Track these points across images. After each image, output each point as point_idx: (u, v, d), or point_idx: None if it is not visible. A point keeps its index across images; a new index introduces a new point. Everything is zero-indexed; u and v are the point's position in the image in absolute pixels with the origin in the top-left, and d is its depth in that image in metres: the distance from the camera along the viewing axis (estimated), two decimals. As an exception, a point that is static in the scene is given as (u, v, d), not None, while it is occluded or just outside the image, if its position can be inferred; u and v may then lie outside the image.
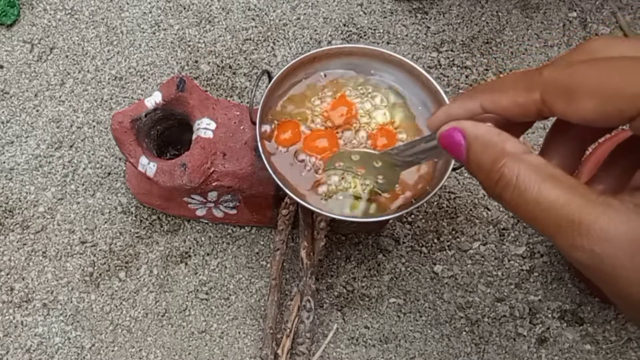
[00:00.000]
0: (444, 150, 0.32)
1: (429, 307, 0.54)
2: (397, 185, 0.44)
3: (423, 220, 0.57)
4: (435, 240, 0.56)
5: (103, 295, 0.54)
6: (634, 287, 0.24)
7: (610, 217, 0.24)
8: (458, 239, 0.56)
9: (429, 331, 0.53)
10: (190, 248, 0.56)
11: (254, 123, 0.46)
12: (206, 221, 0.56)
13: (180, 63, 0.63)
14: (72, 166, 0.58)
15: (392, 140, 0.47)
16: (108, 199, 0.57)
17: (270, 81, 0.46)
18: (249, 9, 0.66)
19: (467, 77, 0.63)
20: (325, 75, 0.49)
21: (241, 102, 0.61)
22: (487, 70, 0.63)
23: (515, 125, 0.30)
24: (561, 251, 0.26)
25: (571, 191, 0.25)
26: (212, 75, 0.62)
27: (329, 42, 0.64)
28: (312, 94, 0.49)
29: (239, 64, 0.63)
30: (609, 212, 0.24)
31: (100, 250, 0.55)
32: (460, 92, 0.62)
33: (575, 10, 0.66)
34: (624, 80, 0.25)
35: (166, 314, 0.53)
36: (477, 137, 0.29)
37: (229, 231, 0.56)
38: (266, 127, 0.47)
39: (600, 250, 0.24)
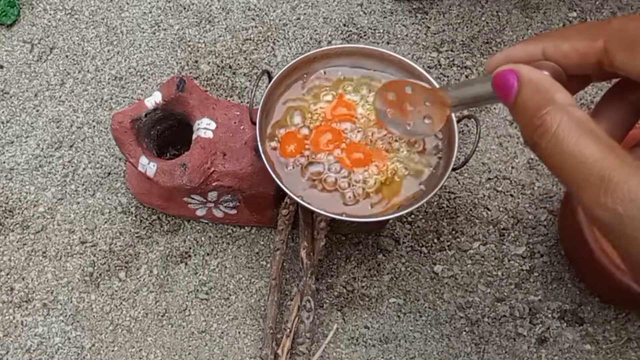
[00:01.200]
0: (495, 96, 0.32)
1: (429, 307, 0.54)
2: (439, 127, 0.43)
3: (423, 220, 0.57)
4: (435, 240, 0.56)
5: (103, 295, 0.54)
6: None
7: (639, 180, 0.24)
8: (458, 239, 0.56)
9: (429, 331, 0.53)
10: (190, 248, 0.56)
11: (254, 123, 0.46)
12: (206, 221, 0.56)
13: (180, 63, 0.63)
14: (72, 166, 0.58)
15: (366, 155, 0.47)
16: (108, 199, 0.57)
17: (270, 81, 0.46)
18: (249, 9, 0.66)
19: (467, 77, 0.63)
20: (324, 73, 0.49)
21: (241, 102, 0.61)
22: (487, 70, 0.63)
23: (571, 81, 0.30)
24: (582, 206, 0.26)
25: (608, 149, 0.26)
26: (212, 75, 0.62)
27: (329, 42, 0.64)
28: (313, 98, 0.49)
29: (239, 64, 0.63)
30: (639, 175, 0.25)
31: (100, 250, 0.55)
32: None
33: (575, 10, 0.66)
34: None
35: (166, 314, 0.53)
36: (531, 81, 0.29)
37: (229, 231, 0.56)
38: (272, 144, 0.47)
39: (623, 211, 0.24)
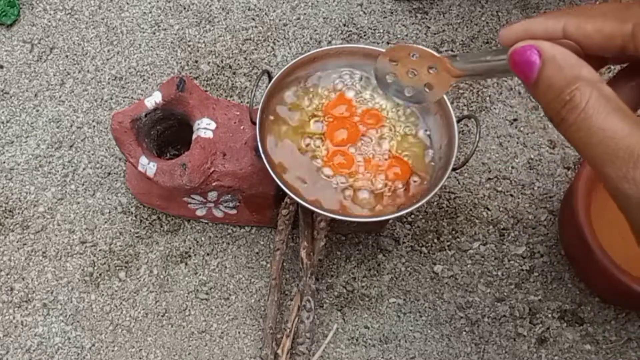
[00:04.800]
0: (508, 70, 0.31)
1: (429, 307, 0.54)
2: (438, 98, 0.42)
3: (423, 220, 0.57)
4: (435, 240, 0.56)
5: (103, 295, 0.54)
6: None
7: None
8: (458, 239, 0.56)
9: (429, 331, 0.53)
10: (190, 248, 0.56)
11: (254, 123, 0.46)
12: (206, 221, 0.56)
13: (180, 63, 0.63)
14: (72, 166, 0.58)
15: (405, 170, 0.47)
16: (108, 199, 0.57)
17: (270, 81, 0.46)
18: (249, 9, 0.66)
19: (467, 77, 0.63)
20: (324, 73, 0.49)
21: (241, 102, 0.61)
22: (487, 70, 0.63)
23: (587, 61, 0.30)
24: (607, 182, 0.26)
25: (636, 126, 0.26)
26: (212, 75, 0.62)
27: (329, 42, 0.64)
28: (313, 95, 0.49)
29: (239, 64, 0.63)
30: None
31: (100, 250, 0.55)
32: (459, 91, 0.62)
33: (575, 10, 0.66)
34: None
35: (166, 314, 0.53)
36: (555, 58, 0.28)
37: (229, 231, 0.56)
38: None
39: None
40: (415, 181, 0.46)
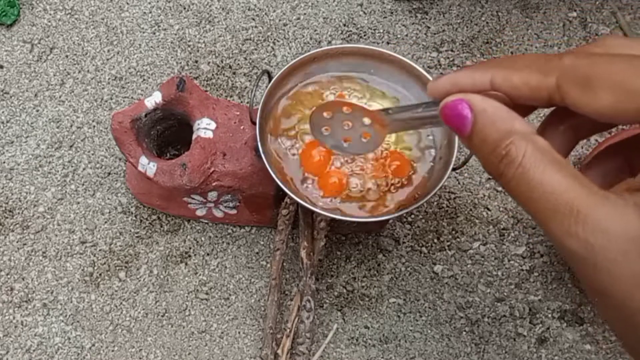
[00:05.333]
0: (441, 121, 0.31)
1: (429, 307, 0.54)
2: (379, 149, 0.43)
3: (423, 220, 0.57)
4: (435, 240, 0.56)
5: (103, 295, 0.54)
6: (622, 281, 0.24)
7: (608, 210, 0.24)
8: (458, 239, 0.56)
9: (429, 331, 0.53)
10: (190, 248, 0.56)
11: (254, 123, 0.46)
12: (206, 221, 0.56)
13: (180, 63, 0.63)
14: (72, 166, 0.58)
15: (404, 164, 0.47)
16: (108, 199, 0.57)
17: (270, 81, 0.46)
18: (249, 9, 0.66)
19: (467, 77, 0.62)
20: (325, 73, 0.49)
21: (241, 102, 0.61)
22: (487, 70, 0.63)
23: (517, 109, 0.29)
24: (552, 238, 0.26)
25: (574, 179, 0.25)
26: (212, 75, 0.62)
27: (329, 42, 0.64)
28: (315, 96, 0.49)
29: (239, 64, 0.63)
30: (608, 205, 0.25)
31: (100, 250, 0.55)
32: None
33: (575, 10, 0.66)
34: None
35: (166, 314, 0.53)
36: (486, 111, 0.28)
37: (229, 231, 0.56)
38: (288, 143, 0.47)
39: (594, 241, 0.24)
40: (415, 179, 0.47)
